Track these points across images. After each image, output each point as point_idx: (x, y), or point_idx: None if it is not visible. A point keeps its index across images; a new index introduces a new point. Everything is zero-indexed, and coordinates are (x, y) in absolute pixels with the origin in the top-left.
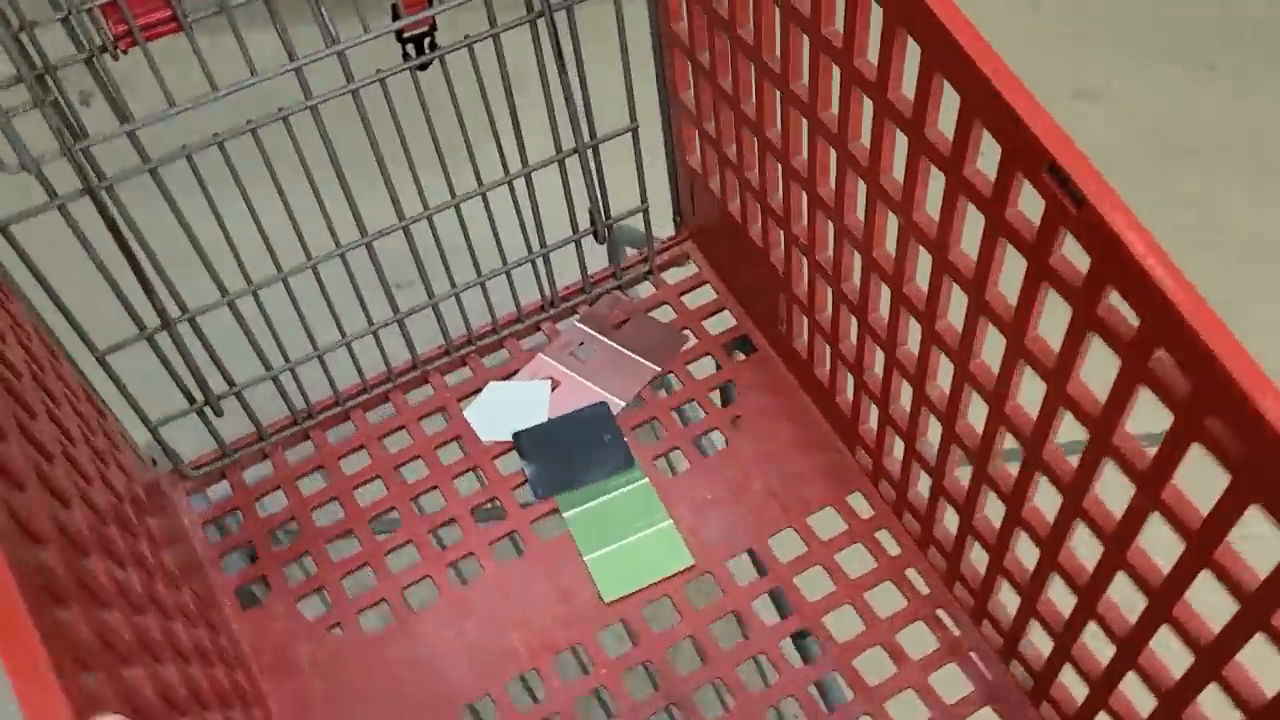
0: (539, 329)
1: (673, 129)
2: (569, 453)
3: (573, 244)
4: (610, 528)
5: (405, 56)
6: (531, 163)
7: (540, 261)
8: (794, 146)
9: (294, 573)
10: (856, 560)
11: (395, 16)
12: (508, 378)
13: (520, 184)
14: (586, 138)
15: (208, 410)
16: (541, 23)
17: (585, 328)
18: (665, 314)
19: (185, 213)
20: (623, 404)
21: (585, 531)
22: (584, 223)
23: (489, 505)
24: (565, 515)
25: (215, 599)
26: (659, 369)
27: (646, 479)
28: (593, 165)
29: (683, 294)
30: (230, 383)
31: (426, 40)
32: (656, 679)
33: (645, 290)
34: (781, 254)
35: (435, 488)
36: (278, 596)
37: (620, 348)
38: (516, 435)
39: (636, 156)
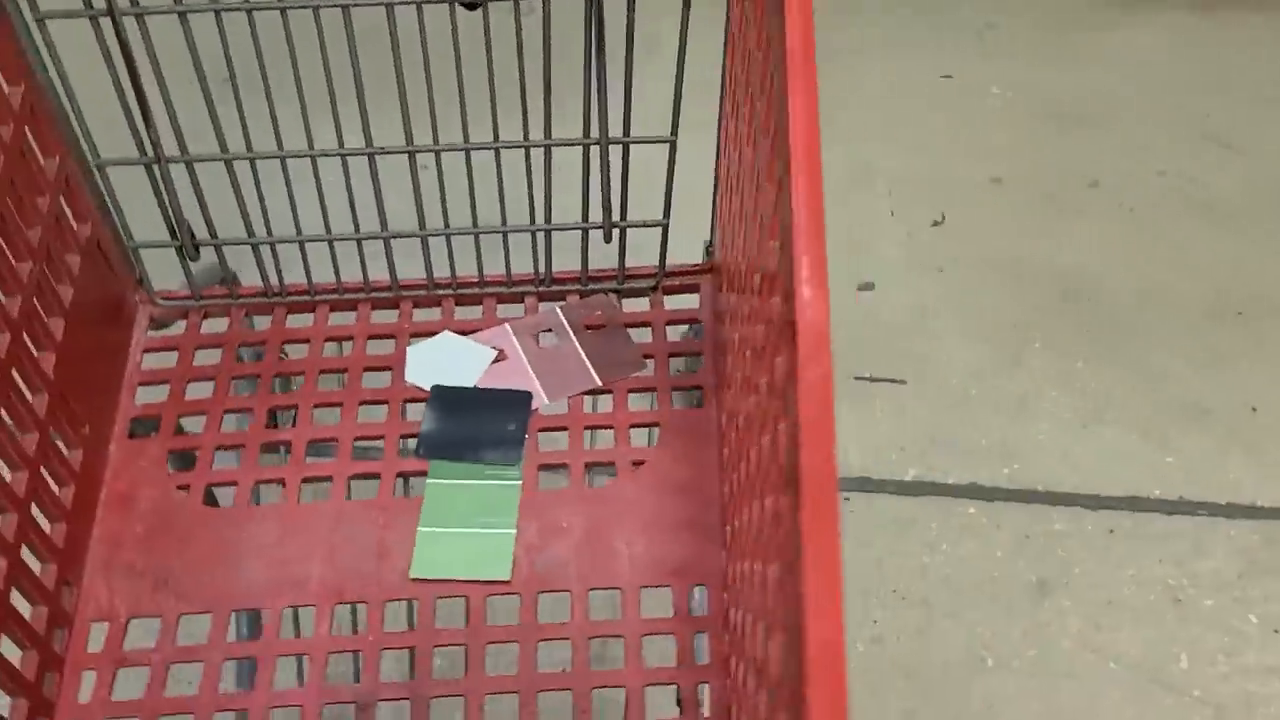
0: (523, 300)
1: (719, 157)
2: (469, 425)
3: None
4: (458, 511)
5: None
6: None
7: (541, 237)
8: (750, 201)
9: (188, 424)
10: (661, 652)
11: None
12: (469, 333)
13: (539, 157)
14: (619, 133)
15: (185, 252)
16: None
17: (561, 316)
18: (645, 335)
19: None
20: (547, 402)
21: (435, 504)
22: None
23: (371, 441)
24: (428, 482)
25: (109, 419)
26: (598, 384)
27: (519, 482)
28: (615, 163)
29: (671, 323)
30: (213, 234)
31: None
32: (412, 671)
33: (643, 305)
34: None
35: (340, 404)
36: (158, 440)
37: (578, 348)
38: (434, 388)
39: (669, 171)
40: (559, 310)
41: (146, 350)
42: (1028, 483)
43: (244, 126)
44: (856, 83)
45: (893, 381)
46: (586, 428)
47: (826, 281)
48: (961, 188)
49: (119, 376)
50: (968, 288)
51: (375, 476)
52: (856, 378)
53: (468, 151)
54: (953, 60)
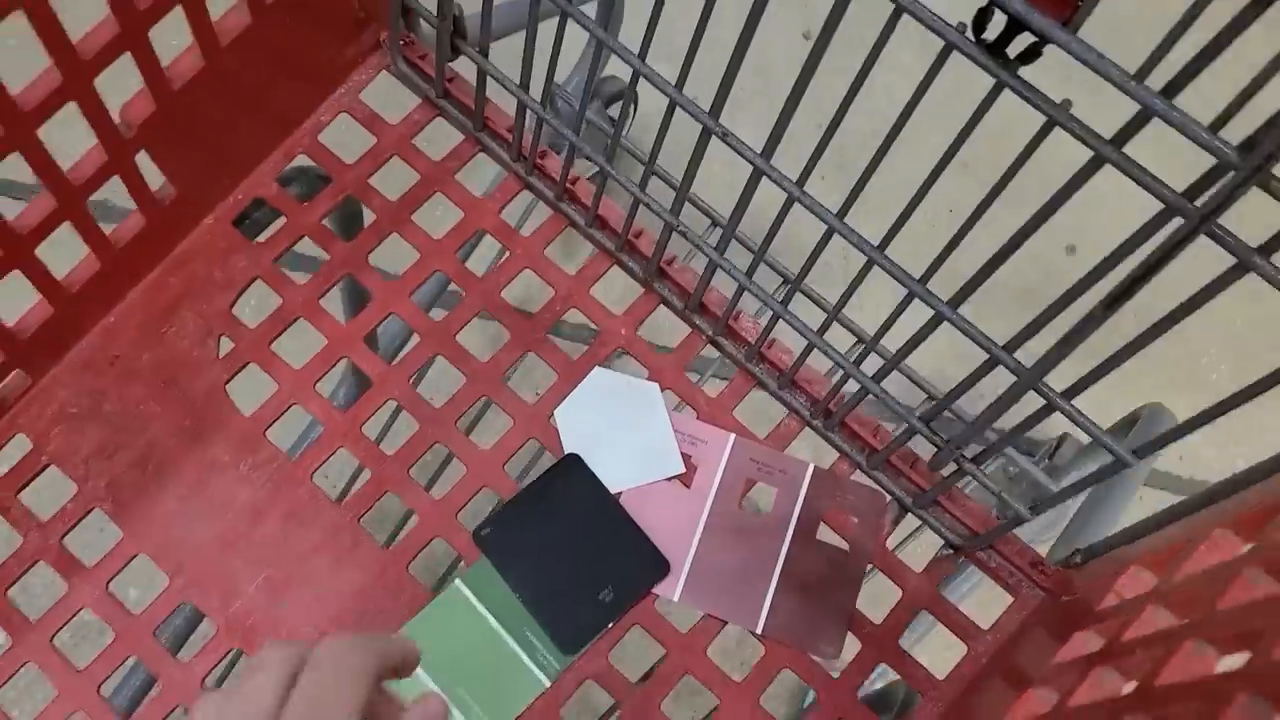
0: (788, 411)
1: None
2: (561, 551)
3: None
4: (451, 655)
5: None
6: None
7: (854, 384)
8: None
9: (307, 253)
10: None
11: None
12: (690, 405)
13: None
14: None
15: (440, 38)
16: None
17: (806, 481)
18: (883, 595)
19: None
20: (674, 599)
21: (436, 616)
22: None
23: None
24: (456, 582)
25: (227, 184)
26: (758, 632)
27: (549, 684)
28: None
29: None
30: (484, 54)
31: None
32: None
33: (925, 549)
34: None
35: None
36: (257, 252)
37: (782, 554)
38: (569, 456)
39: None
40: (811, 469)
41: (348, 111)
42: None
43: None
44: None
45: None
46: (686, 673)
47: None
48: None
49: (283, 132)
50: None
51: (411, 512)
52: None
53: (870, 259)
54: None
